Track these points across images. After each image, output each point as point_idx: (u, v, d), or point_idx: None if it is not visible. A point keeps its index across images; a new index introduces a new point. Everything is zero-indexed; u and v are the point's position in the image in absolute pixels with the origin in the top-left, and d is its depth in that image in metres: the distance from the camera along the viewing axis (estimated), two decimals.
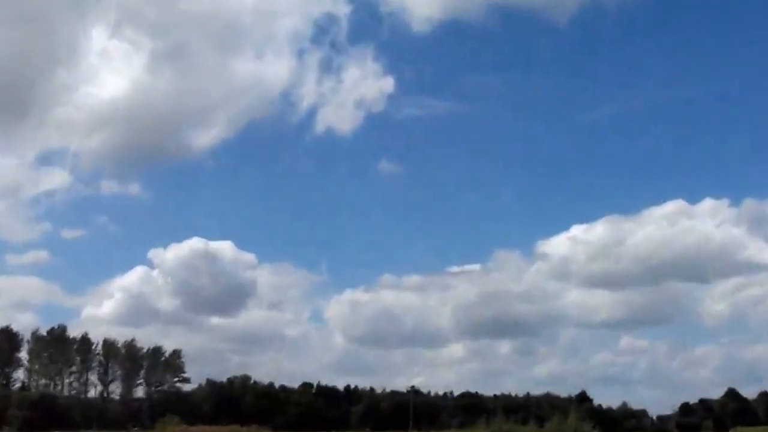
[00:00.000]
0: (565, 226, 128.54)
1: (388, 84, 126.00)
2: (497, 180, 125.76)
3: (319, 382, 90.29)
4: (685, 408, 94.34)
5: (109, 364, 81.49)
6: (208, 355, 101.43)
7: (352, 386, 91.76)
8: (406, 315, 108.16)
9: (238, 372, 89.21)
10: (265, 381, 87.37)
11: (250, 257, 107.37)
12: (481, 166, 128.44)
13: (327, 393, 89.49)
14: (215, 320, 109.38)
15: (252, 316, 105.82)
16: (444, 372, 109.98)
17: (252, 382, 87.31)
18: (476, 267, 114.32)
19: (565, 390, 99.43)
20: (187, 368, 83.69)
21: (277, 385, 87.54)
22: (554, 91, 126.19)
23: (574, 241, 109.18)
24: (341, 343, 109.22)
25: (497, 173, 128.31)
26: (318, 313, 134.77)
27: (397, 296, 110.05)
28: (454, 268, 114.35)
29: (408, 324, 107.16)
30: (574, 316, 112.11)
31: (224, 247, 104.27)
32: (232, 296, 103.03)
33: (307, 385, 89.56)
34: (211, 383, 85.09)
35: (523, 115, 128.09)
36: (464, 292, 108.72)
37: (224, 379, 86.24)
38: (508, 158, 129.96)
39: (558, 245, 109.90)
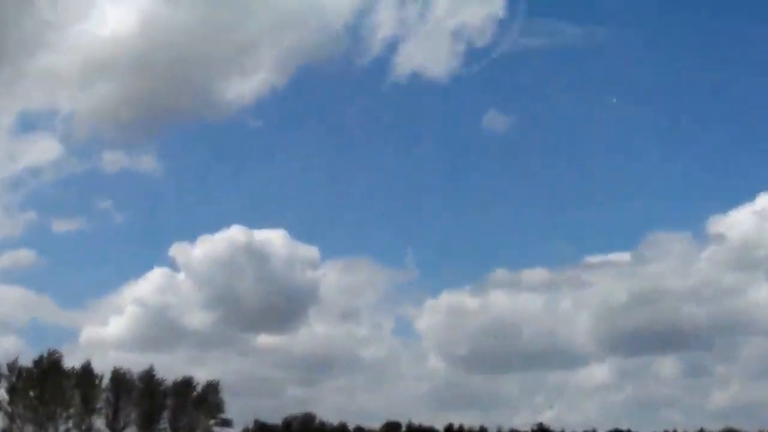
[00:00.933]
0: (749, 196, 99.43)
1: (497, 5, 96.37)
2: (652, 135, 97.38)
3: (409, 420, 74.72)
4: None
5: (121, 404, 65.89)
6: (256, 387, 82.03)
7: (456, 425, 76.59)
8: (528, 325, 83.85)
9: (297, 409, 74.65)
10: (335, 420, 74.55)
11: (310, 251, 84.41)
12: (629, 117, 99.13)
13: None
14: (265, 339, 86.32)
15: (315, 333, 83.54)
16: (583, 402, 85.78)
17: (317, 422, 74.04)
18: (625, 256, 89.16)
19: (755, 424, 76.43)
20: (227, 406, 69.19)
21: (351, 425, 74.52)
22: (731, 15, 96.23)
23: (761, 217, 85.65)
24: (439, 366, 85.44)
25: (652, 126, 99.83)
26: (406, 326, 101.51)
27: (515, 299, 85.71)
28: (594, 258, 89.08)
29: (530, 337, 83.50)
30: (764, 320, 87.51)
31: (275, 239, 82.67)
32: (287, 305, 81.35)
33: (392, 426, 75.05)
34: (260, 426, 71.99)
35: (688, 48, 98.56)
36: (608, 290, 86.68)
37: (279, 420, 72.90)
38: (668, 105, 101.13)
39: (739, 222, 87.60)
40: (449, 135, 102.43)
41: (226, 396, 68.83)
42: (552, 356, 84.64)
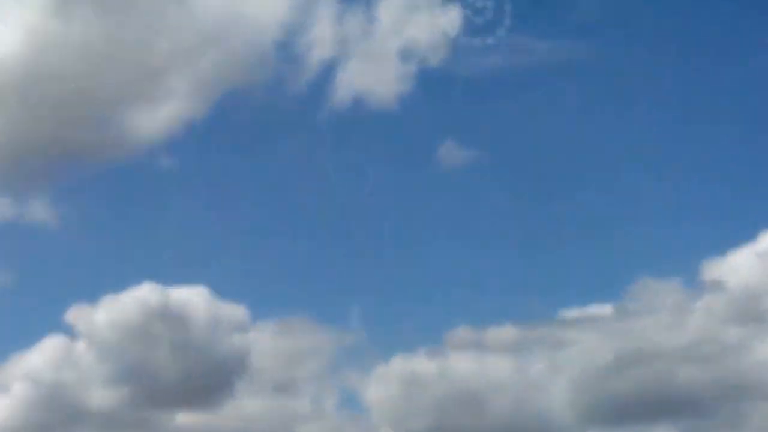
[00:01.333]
0: (751, 234, 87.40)
1: (453, 18, 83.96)
2: (635, 165, 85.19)
3: None
4: None
5: None
6: None
7: None
8: (495, 393, 69.88)
9: None
10: None
11: (237, 311, 69.49)
12: (610, 146, 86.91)
13: None
14: (185, 418, 70.95)
15: (245, 409, 68.83)
16: None
17: None
18: (606, 309, 75.65)
19: None
20: None
21: None
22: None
23: (765, 259, 74.03)
24: None
25: (635, 154, 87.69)
26: (352, 397, 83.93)
27: (480, 362, 72.08)
28: (571, 312, 75.34)
29: (498, 407, 69.10)
30: None
31: (195, 297, 68.40)
32: (211, 377, 66.89)
33: None
34: None
35: (678, 66, 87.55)
36: (588, 350, 71.46)
37: None
38: (655, 133, 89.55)
39: (739, 266, 74.20)
40: (399, 170, 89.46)
41: None
42: (524, 430, 72.15)
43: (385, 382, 75.45)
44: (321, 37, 78.53)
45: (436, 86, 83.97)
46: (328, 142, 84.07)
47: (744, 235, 77.00)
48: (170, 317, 70.75)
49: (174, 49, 73.97)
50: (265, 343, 79.00)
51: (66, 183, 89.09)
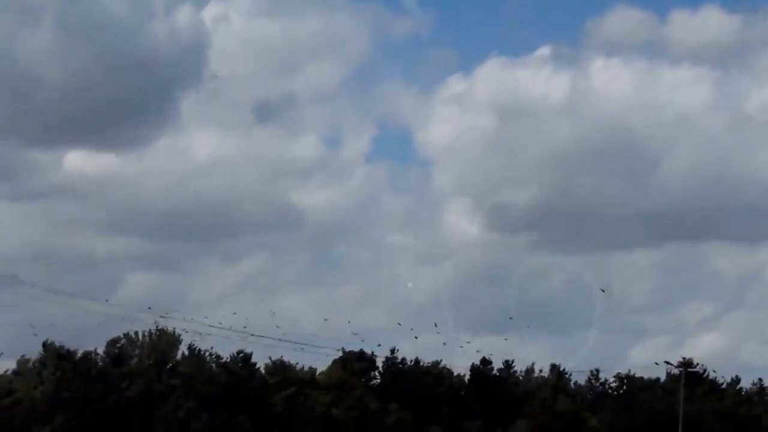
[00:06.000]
0: None
1: None
2: None
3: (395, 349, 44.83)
4: None
5: None
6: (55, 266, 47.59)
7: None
8: (666, 141, 43.88)
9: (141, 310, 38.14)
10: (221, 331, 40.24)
11: None
12: None
13: None
14: (80, 161, 48.22)
15: (190, 150, 46.83)
16: None
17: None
18: None
19: None
20: None
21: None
22: None
23: None
24: (471, 228, 43.99)
25: None
26: (400, 137, 51.49)
27: (650, 81, 44.76)
28: None
29: (669, 165, 44.88)
30: None
31: None
32: (134, 92, 45.05)
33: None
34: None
35: None
36: None
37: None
38: None
39: None
40: None
41: None
42: (723, 208, 40.66)
43: (462, 112, 45.49)
44: None
45: None
46: None
47: None
48: None
49: None
50: (237, 28, 48.43)
51: None
